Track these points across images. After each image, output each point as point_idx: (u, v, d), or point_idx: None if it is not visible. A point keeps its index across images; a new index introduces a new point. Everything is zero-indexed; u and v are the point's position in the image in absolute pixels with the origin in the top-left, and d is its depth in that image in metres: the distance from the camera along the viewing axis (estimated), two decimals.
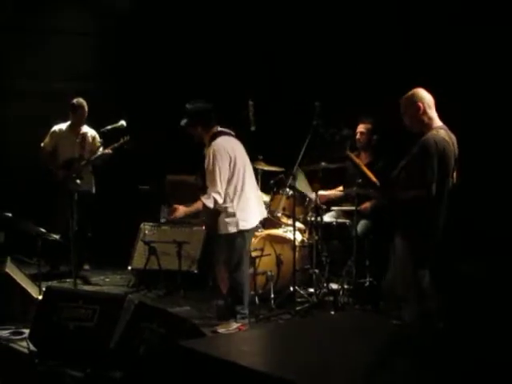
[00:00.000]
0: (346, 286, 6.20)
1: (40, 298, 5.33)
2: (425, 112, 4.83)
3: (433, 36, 6.38)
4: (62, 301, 4.68)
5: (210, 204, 5.41)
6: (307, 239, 6.63)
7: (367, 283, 6.20)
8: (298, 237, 6.51)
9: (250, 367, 2.87)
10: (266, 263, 6.41)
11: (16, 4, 8.34)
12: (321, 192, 6.47)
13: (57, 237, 6.34)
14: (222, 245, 5.61)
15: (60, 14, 8.41)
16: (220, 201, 5.43)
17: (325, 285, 6.26)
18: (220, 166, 5.43)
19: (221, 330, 5.49)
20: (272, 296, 6.21)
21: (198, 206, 5.50)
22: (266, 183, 6.68)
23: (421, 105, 4.83)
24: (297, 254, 6.21)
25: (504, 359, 2.98)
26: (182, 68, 8.29)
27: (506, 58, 5.99)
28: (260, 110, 6.77)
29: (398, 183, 4.91)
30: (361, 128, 6.61)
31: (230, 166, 5.51)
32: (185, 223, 7.13)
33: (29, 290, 5.61)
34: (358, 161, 5.75)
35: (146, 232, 7.30)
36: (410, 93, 4.91)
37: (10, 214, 6.00)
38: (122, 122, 6.91)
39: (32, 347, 4.67)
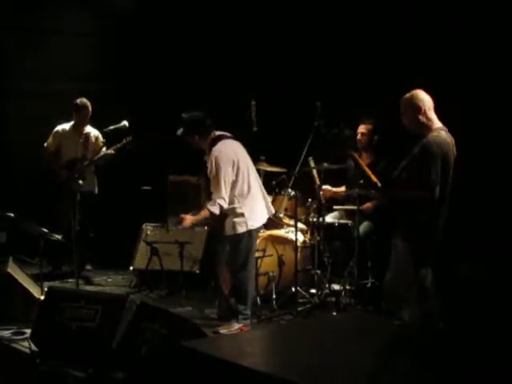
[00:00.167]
0: (347, 287, 6.19)
1: (42, 298, 5.33)
2: (424, 113, 4.83)
3: (433, 36, 6.37)
4: (64, 301, 4.69)
5: (216, 210, 5.44)
6: (309, 240, 6.61)
7: (369, 284, 6.20)
8: (300, 237, 6.50)
9: (251, 368, 2.88)
10: (268, 264, 6.41)
11: (16, 4, 8.33)
12: (326, 186, 6.49)
13: (59, 237, 6.35)
14: (226, 245, 5.63)
15: (60, 14, 8.41)
16: (225, 206, 5.47)
17: (327, 285, 6.25)
18: (223, 171, 5.46)
19: (223, 330, 5.50)
20: (274, 297, 6.21)
21: (204, 214, 5.50)
22: (268, 184, 6.68)
23: (421, 105, 4.84)
24: (299, 254, 6.21)
25: (504, 359, 2.98)
26: (184, 68, 8.27)
27: (505, 58, 5.99)
28: (261, 110, 6.79)
29: (399, 183, 4.92)
30: (362, 129, 6.60)
31: (233, 169, 5.54)
32: None
33: (31, 290, 5.61)
34: (360, 161, 5.77)
35: (148, 232, 7.30)
36: (409, 94, 4.91)
37: (12, 214, 6.00)
38: (125, 123, 6.90)
39: (34, 347, 4.68)
